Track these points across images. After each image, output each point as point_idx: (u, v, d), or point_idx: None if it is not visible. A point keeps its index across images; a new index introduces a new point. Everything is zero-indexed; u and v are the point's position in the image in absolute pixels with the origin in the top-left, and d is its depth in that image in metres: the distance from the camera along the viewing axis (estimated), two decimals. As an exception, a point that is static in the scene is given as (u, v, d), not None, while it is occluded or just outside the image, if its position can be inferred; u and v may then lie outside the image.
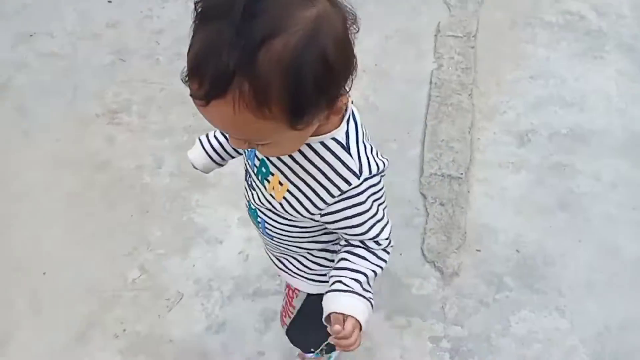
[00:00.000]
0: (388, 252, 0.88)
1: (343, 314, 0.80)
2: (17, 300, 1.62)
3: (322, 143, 0.75)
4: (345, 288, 0.82)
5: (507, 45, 2.31)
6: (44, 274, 1.67)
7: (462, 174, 1.89)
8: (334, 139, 0.75)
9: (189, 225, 1.78)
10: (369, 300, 0.84)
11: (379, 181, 0.82)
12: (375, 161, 0.80)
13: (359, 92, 2.13)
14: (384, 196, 0.84)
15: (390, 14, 2.41)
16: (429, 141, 1.98)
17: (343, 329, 0.78)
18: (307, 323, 1.16)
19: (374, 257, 0.86)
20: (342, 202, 0.78)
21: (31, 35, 2.29)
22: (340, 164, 0.75)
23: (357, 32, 0.66)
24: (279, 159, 0.79)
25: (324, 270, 1.00)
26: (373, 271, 0.86)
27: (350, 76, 0.67)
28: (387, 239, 0.86)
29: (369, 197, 0.79)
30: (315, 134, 0.72)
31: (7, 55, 2.23)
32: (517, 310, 1.61)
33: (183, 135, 1.99)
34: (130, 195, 1.84)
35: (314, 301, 1.09)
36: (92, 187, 1.85)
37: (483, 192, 1.86)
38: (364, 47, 2.27)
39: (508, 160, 1.94)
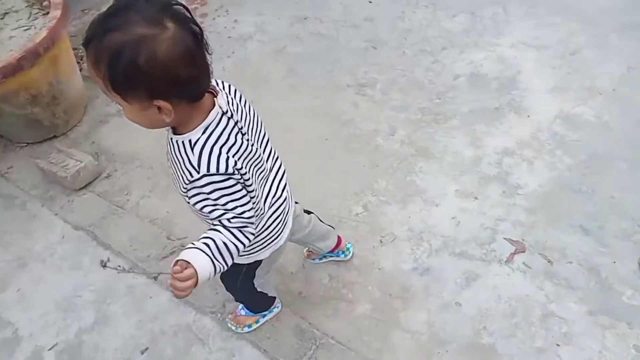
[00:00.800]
0: (244, 234, 1.04)
1: (187, 262, 0.97)
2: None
3: (181, 142, 1.00)
4: (196, 246, 1.00)
5: None
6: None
7: (698, 206, 1.81)
8: (189, 140, 0.99)
9: (411, 184, 2.01)
10: (213, 261, 1.00)
11: (225, 180, 0.99)
12: (220, 162, 0.98)
13: (593, 111, 2.18)
14: (236, 192, 1.01)
15: (637, 48, 2.41)
16: (664, 168, 1.93)
17: (182, 272, 0.96)
18: (227, 284, 1.49)
19: (228, 232, 1.03)
20: (192, 190, 1.00)
21: (305, 19, 2.82)
22: (186, 159, 0.99)
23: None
24: (170, 148, 1.04)
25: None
26: (223, 242, 1.01)
27: (174, 90, 0.90)
28: (230, 219, 1.02)
29: (213, 191, 0.99)
30: (179, 133, 1.00)
31: (285, 30, 2.78)
32: None
33: (417, 114, 2.26)
34: (365, 150, 2.14)
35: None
36: (337, 136, 2.21)
37: None
38: (602, 71, 2.34)
39: None
